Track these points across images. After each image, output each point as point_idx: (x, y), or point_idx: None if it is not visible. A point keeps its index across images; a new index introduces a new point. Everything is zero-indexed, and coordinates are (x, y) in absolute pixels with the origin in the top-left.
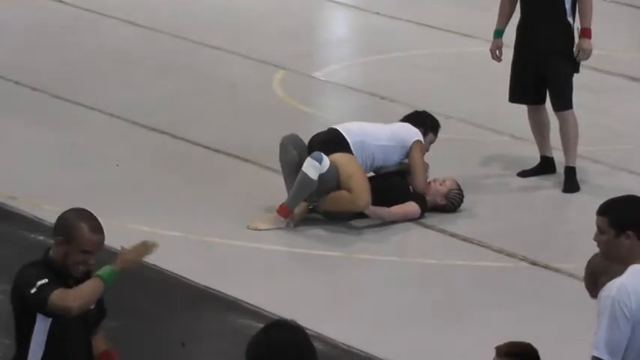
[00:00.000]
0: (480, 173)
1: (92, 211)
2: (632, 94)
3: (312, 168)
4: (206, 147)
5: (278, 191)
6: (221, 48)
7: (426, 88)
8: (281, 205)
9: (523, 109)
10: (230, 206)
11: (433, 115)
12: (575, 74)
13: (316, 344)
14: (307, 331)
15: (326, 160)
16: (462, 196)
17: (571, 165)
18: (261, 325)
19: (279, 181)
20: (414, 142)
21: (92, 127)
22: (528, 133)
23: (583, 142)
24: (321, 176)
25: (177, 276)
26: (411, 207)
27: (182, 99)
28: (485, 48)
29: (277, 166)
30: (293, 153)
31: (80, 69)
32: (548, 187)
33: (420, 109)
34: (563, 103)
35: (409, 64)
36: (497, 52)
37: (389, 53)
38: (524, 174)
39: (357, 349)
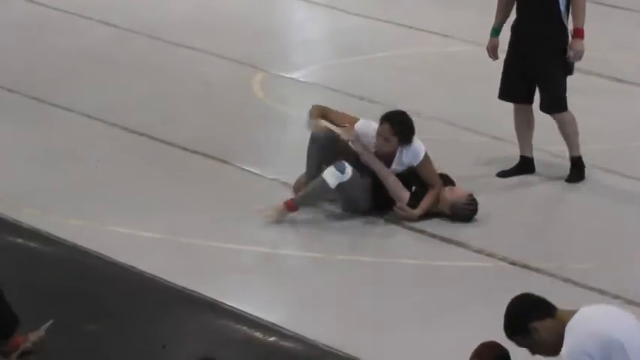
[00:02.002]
0: (459, 174)
1: (71, 213)
2: (616, 96)
3: (333, 177)
4: (185, 148)
5: (257, 192)
6: (200, 49)
7: (406, 88)
8: (290, 200)
9: (504, 109)
10: (209, 207)
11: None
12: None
13: (296, 345)
14: (286, 332)
15: (348, 170)
16: (471, 210)
17: (576, 155)
18: (241, 327)
19: (258, 182)
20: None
21: (69, 128)
22: (509, 133)
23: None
24: (340, 185)
25: (156, 277)
26: (404, 192)
27: (160, 100)
28: (466, 48)
29: (256, 167)
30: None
31: (57, 70)
32: (527, 187)
33: (401, 109)
34: (554, 106)
35: (389, 65)
36: (494, 50)
37: (369, 54)
38: (503, 174)
39: (337, 350)
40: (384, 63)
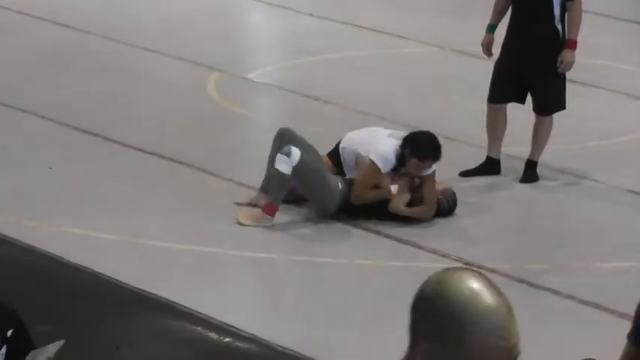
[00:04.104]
0: None
1: (25, 215)
2: (569, 97)
3: (284, 163)
4: (140, 149)
5: (213, 193)
6: (155, 50)
7: (360, 89)
8: (266, 204)
9: (457, 109)
10: (163, 208)
11: (431, 139)
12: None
13: (251, 346)
14: (241, 332)
15: (295, 153)
16: (454, 201)
17: (535, 159)
18: (196, 328)
19: (214, 182)
20: (368, 158)
21: (23, 129)
22: (462, 134)
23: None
24: (295, 169)
25: (110, 278)
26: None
27: (115, 101)
28: (421, 49)
29: (211, 167)
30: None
31: (10, 71)
32: (482, 188)
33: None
34: (551, 108)
35: (343, 66)
36: (489, 46)
37: (323, 54)
38: (466, 173)
39: (292, 351)
40: (338, 64)
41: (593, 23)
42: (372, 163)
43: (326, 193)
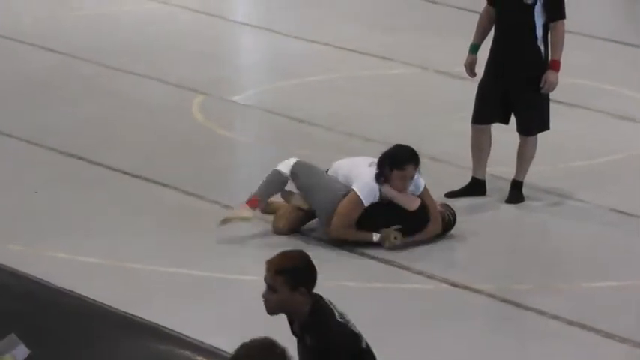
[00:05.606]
0: None
1: (10, 238)
2: (553, 117)
3: (283, 165)
4: (125, 172)
5: (198, 215)
6: (139, 73)
7: (345, 110)
8: (250, 198)
9: (443, 130)
10: (149, 231)
11: (400, 147)
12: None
13: None
14: (229, 355)
15: (293, 158)
16: (453, 214)
17: (520, 180)
18: (184, 351)
19: (199, 205)
20: (350, 190)
21: (9, 153)
22: (447, 155)
23: (511, 163)
24: (293, 167)
25: (96, 302)
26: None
27: (100, 124)
28: (405, 70)
29: (197, 190)
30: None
31: None
32: (468, 209)
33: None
34: (534, 128)
35: (328, 87)
36: (472, 67)
37: (307, 76)
38: (452, 194)
39: None
40: (323, 86)
41: (576, 43)
42: (355, 194)
43: (328, 196)
